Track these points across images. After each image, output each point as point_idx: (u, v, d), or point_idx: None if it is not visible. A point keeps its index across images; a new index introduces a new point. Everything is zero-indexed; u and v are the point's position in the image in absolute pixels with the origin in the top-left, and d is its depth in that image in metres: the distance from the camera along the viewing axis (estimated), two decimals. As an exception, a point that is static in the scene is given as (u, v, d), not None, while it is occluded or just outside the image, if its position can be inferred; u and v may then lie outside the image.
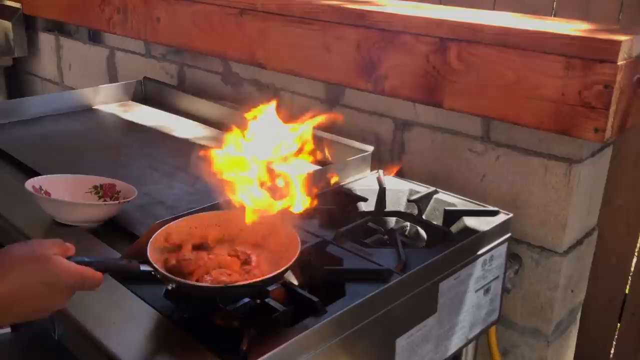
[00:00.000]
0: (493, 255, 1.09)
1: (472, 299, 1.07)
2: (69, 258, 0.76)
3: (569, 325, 1.38)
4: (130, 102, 1.83)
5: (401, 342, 0.94)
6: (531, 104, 1.13)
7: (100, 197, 1.13)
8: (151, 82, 1.85)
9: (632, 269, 1.46)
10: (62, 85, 2.50)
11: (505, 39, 1.13)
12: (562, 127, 1.10)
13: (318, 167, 1.30)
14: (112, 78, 2.24)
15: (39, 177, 1.10)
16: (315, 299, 0.83)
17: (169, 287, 0.83)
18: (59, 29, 2.49)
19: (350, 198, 1.17)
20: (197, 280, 0.80)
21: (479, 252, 1.05)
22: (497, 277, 1.13)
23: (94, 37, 2.31)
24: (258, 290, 0.83)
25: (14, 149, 1.41)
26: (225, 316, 0.83)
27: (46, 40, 2.53)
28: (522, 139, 1.23)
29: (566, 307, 1.32)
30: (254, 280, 0.81)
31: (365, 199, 1.15)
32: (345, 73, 1.42)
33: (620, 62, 1.00)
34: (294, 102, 1.64)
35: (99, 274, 0.77)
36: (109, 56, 2.23)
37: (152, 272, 0.80)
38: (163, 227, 0.89)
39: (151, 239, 0.85)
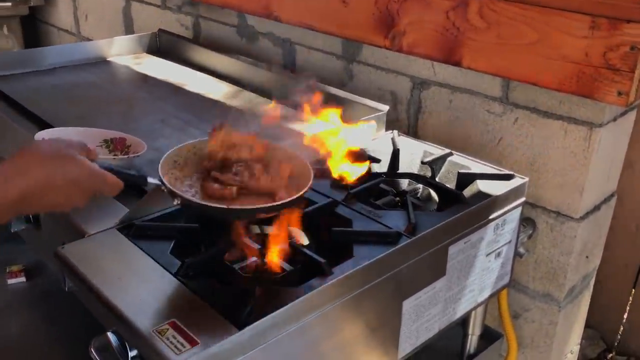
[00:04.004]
0: (506, 220, 1.07)
1: (482, 262, 1.06)
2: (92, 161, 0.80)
3: (582, 291, 1.37)
4: (145, 55, 1.80)
5: (408, 304, 0.94)
6: (552, 65, 1.09)
7: (110, 151, 1.12)
8: (166, 34, 1.82)
9: (650, 236, 1.43)
10: (79, 36, 2.48)
11: (529, -4, 1.08)
12: (584, 90, 1.06)
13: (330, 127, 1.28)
14: (128, 29, 2.21)
15: (50, 129, 1.10)
16: (321, 260, 0.82)
17: (174, 203, 0.83)
18: (75, -23, 2.46)
19: (363, 159, 1.15)
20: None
21: (491, 217, 1.03)
22: (509, 242, 1.11)
23: (110, -13, 2.28)
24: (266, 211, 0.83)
25: (27, 100, 1.41)
26: (231, 274, 0.83)
27: (62, -11, 2.50)
28: (541, 101, 1.19)
29: (580, 273, 1.31)
30: (264, 204, 0.82)
31: (378, 160, 1.13)
32: (363, 28, 1.38)
33: (649, 22, 0.96)
34: (309, 58, 1.61)
35: (119, 181, 0.81)
36: (125, 7, 2.20)
37: (160, 186, 0.83)
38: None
39: (167, 154, 0.88)
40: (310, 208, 0.96)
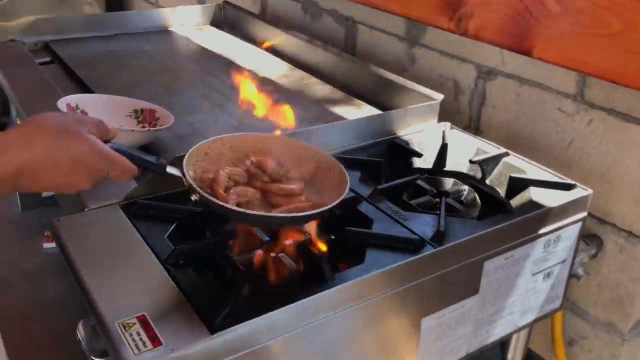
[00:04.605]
0: (560, 236, 0.92)
1: (526, 282, 0.92)
2: (105, 142, 0.72)
3: (653, 324, 1.19)
4: (208, 26, 1.76)
5: (429, 322, 0.82)
6: (638, 60, 0.92)
7: (139, 122, 1.08)
8: (230, 6, 1.76)
9: None
10: (156, 4, 2.49)
11: (615, -24, 0.92)
12: (671, 92, 0.89)
13: (375, 113, 1.17)
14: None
15: (78, 94, 1.06)
16: (325, 262, 0.72)
17: (192, 199, 0.75)
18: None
19: (403, 152, 1.04)
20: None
21: (541, 231, 0.89)
22: (564, 261, 0.96)
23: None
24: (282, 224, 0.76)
25: (79, 65, 1.40)
26: (228, 268, 0.75)
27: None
28: (622, 102, 1.02)
29: (651, 304, 1.13)
30: (281, 214, 0.73)
31: (419, 154, 1.01)
32: (427, 8, 1.25)
33: None
34: (372, 38, 1.50)
35: (132, 166, 0.73)
36: (200, -23, 2.17)
37: (180, 177, 0.74)
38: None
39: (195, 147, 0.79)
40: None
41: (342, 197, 0.75)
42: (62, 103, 0.99)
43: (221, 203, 0.71)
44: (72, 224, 0.80)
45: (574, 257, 0.98)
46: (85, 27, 1.61)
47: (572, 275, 1.01)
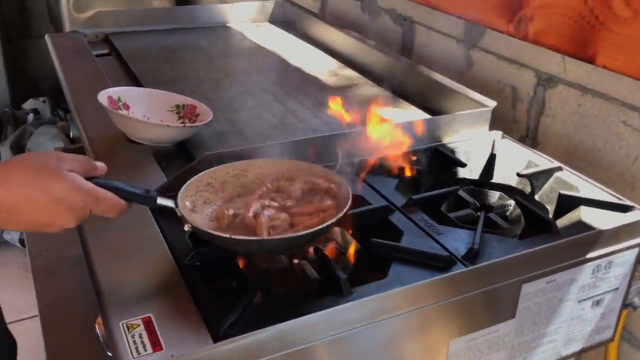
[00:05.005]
0: (612, 262, 0.84)
1: (572, 309, 0.85)
2: (91, 178, 0.70)
3: None
4: (265, 23, 1.74)
5: (457, 345, 0.77)
6: None
7: (180, 118, 1.07)
8: (288, 3, 1.74)
9: None
10: (222, 0, 2.51)
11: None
12: None
13: (423, 117, 1.12)
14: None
15: (121, 87, 1.07)
16: (342, 275, 0.69)
17: (185, 229, 0.74)
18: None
19: (447, 160, 0.98)
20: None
21: (590, 255, 0.81)
22: (616, 289, 0.88)
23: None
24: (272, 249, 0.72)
25: (133, 58, 1.41)
26: (238, 273, 0.72)
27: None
28: (694, 118, 0.93)
29: None
30: (267, 237, 0.69)
31: (463, 164, 0.95)
32: (485, 9, 1.19)
33: None
34: (429, 39, 1.44)
35: (119, 201, 0.70)
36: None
37: (173, 208, 0.72)
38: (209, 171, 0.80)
39: (198, 176, 0.78)
40: (359, 209, 0.82)
41: (339, 215, 0.71)
42: (104, 95, 1.00)
43: (214, 232, 0.68)
44: (97, 218, 0.79)
45: (629, 286, 0.90)
46: (144, 20, 1.63)
47: (626, 305, 0.93)
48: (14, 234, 2.38)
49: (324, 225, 0.69)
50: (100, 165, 0.73)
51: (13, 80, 2.92)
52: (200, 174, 0.79)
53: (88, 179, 0.69)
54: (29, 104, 2.90)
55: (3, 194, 0.64)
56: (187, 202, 0.74)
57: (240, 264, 0.75)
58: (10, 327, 1.15)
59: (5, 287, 2.13)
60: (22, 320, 1.96)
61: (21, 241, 2.34)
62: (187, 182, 0.76)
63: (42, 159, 0.68)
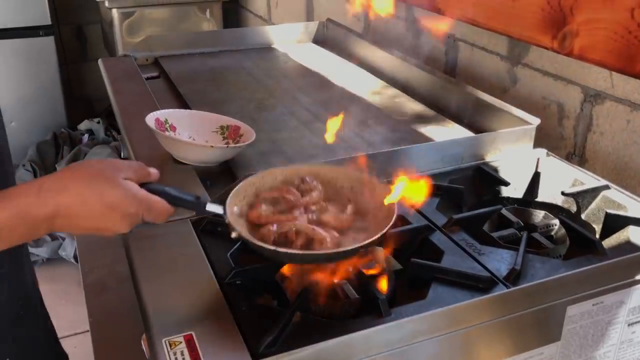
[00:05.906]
0: (664, 284, 0.81)
1: (622, 333, 0.82)
2: (144, 184, 0.72)
3: None
4: (310, 44, 1.77)
5: (500, 367, 0.75)
6: None
7: (224, 138, 1.09)
8: (332, 24, 1.76)
9: None
10: (269, 22, 2.56)
11: None
12: None
13: (466, 135, 1.11)
14: (309, 17, 2.21)
15: (168, 110, 1.10)
16: (381, 296, 0.69)
17: (232, 236, 0.74)
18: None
19: (490, 178, 0.97)
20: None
21: (639, 277, 0.79)
22: (669, 313, 0.85)
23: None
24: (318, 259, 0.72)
25: (181, 80, 1.46)
26: (278, 292, 0.73)
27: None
28: None
29: None
30: (312, 251, 0.70)
31: (507, 183, 0.94)
32: (529, 26, 1.17)
33: None
34: (473, 56, 1.43)
35: (168, 206, 0.73)
36: (309, -5, 2.20)
37: (220, 215, 0.72)
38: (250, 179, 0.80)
39: (240, 184, 0.78)
40: (400, 229, 0.82)
41: (378, 235, 0.69)
42: (151, 118, 1.03)
43: (259, 243, 0.69)
44: (142, 236, 0.82)
45: (683, 309, 0.86)
46: (193, 43, 1.68)
47: (680, 329, 0.89)
48: (69, 251, 2.46)
49: (364, 243, 0.69)
50: (154, 171, 0.76)
51: (69, 102, 3.05)
52: (248, 178, 0.78)
53: (142, 184, 0.72)
54: (84, 125, 3.02)
55: (63, 201, 0.67)
56: (235, 208, 0.75)
57: (281, 282, 0.76)
58: (64, 341, 1.19)
59: (62, 303, 2.20)
60: (75, 334, 2.03)
61: (75, 257, 2.42)
62: (235, 188, 0.76)
63: (98, 167, 0.72)
